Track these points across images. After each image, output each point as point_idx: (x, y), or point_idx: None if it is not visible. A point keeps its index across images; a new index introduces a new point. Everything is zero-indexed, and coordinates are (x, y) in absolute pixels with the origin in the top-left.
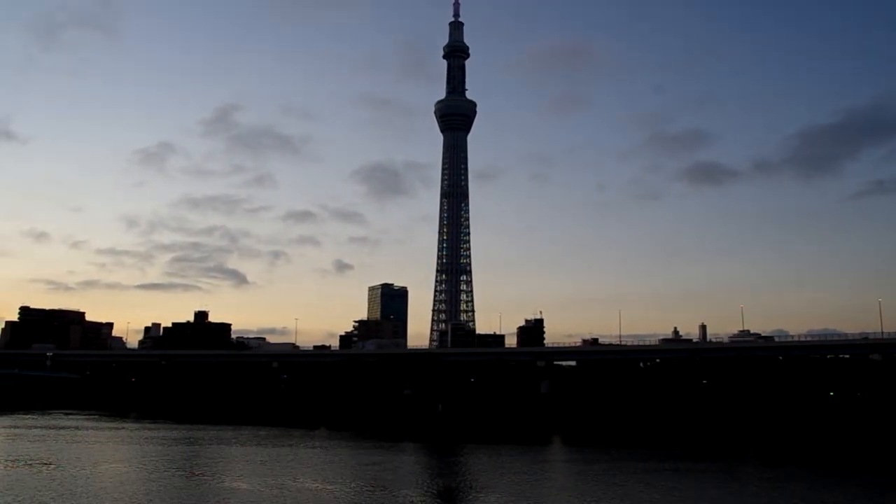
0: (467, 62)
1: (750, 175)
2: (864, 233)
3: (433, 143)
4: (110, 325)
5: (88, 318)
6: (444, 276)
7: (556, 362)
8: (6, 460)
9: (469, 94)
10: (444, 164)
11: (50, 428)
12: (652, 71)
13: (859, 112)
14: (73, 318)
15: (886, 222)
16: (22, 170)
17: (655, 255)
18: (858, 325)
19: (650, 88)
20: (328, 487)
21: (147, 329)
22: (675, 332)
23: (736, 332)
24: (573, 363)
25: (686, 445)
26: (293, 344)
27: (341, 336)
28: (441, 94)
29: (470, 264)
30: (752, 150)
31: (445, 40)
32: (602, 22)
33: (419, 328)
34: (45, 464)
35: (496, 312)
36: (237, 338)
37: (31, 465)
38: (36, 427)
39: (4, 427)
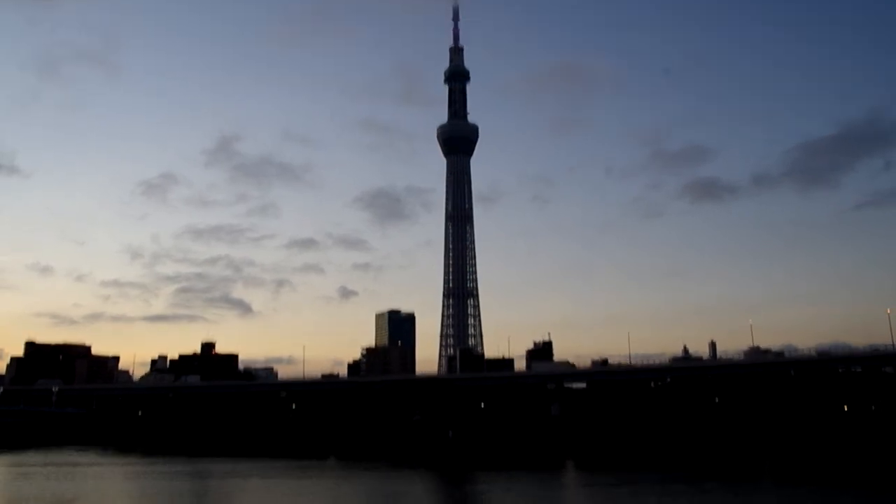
0: (467, 85)
1: (750, 189)
2: (865, 244)
3: (434, 167)
4: (116, 358)
5: (94, 351)
6: (451, 300)
7: (566, 384)
8: (30, 501)
9: (470, 118)
10: (447, 187)
11: (62, 465)
12: (650, 88)
13: (856, 124)
14: (78, 352)
15: (887, 233)
16: (25, 203)
17: (661, 272)
18: (867, 337)
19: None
20: None
21: (154, 361)
22: (685, 350)
23: (746, 348)
24: (583, 385)
25: (703, 466)
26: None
27: (349, 364)
28: (441, 118)
29: (476, 288)
30: (752, 164)
31: (444, 64)
32: (599, 41)
33: (427, 353)
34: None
35: (504, 335)
36: (244, 368)
37: None
38: (49, 464)
39: (16, 465)
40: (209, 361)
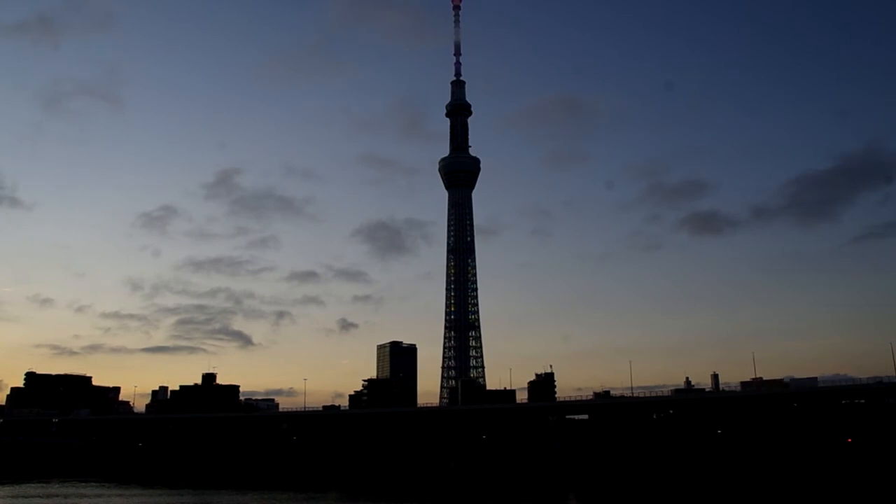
0: (469, 118)
1: (749, 223)
2: (864, 277)
3: (434, 200)
4: (117, 389)
5: (94, 382)
6: (452, 332)
7: (567, 416)
8: None
9: (471, 151)
10: (449, 220)
11: (66, 496)
12: (649, 122)
13: (854, 156)
14: (79, 383)
15: (887, 265)
16: (27, 236)
17: (661, 305)
18: (868, 369)
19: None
20: None
21: (154, 392)
22: (687, 381)
23: (748, 379)
24: (585, 417)
25: (705, 499)
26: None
27: (351, 395)
28: (441, 151)
29: (478, 320)
30: (751, 197)
31: (445, 98)
32: (599, 75)
33: (429, 385)
34: None
35: (506, 367)
36: (245, 399)
37: None
38: (52, 496)
39: (17, 497)
40: (210, 392)
